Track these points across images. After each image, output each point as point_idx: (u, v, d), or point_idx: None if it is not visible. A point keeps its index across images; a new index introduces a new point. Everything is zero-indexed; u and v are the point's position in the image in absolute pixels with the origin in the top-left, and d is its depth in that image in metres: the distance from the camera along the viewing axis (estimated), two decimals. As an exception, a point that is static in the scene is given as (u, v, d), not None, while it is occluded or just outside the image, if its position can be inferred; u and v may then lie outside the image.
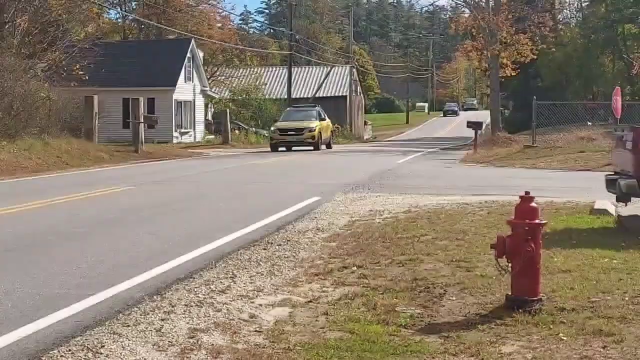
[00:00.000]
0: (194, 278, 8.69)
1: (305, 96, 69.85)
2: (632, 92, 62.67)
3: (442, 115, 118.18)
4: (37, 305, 7.50)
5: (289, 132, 41.08)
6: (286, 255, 10.11)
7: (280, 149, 40.80)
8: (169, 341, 6.45)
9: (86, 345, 6.27)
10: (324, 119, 43.43)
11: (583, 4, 71.44)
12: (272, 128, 42.88)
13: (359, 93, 79.05)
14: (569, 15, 75.77)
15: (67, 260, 9.66)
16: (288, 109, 48.36)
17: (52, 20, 42.46)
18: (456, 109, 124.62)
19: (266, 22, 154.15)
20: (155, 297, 7.81)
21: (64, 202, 16.08)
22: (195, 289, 8.15)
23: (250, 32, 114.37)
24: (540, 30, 49.42)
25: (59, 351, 6.14)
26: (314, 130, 41.12)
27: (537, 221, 7.23)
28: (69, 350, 6.16)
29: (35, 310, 7.30)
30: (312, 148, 40.80)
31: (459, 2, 56.21)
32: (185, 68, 51.42)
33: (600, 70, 67.00)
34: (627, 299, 7.44)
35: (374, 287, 8.23)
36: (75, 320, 7.00)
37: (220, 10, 70.92)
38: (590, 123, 40.05)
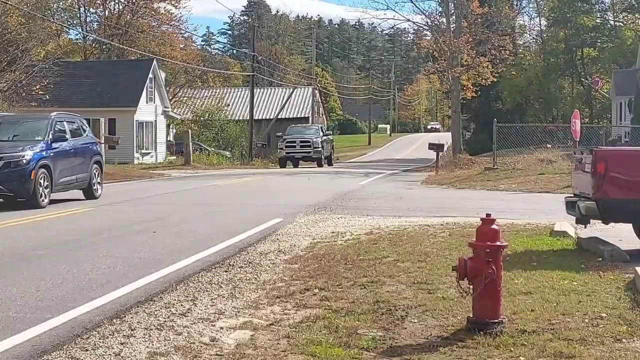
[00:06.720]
0: (154, 301, 8.61)
1: (267, 117, 69.92)
2: (590, 114, 63.57)
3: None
4: (-7, 329, 7.38)
5: None
6: (247, 278, 10.06)
7: None
8: (128, 365, 6.37)
9: (44, 370, 6.18)
10: None
11: (542, 28, 72.43)
12: None
13: (321, 114, 79.35)
14: (529, 39, 76.83)
15: (26, 282, 9.52)
16: None
17: (11, 40, 42.09)
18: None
19: (229, 43, 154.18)
20: (114, 320, 7.72)
21: (22, 224, 15.88)
22: (156, 312, 8.07)
23: (213, 53, 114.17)
24: (500, 53, 50.02)
25: (15, 376, 6.04)
26: None
27: (498, 243, 7.26)
28: (26, 375, 6.06)
29: (-9, 334, 7.17)
30: None
31: (421, 25, 56.73)
32: (146, 89, 51.16)
33: (559, 94, 68.05)
34: (587, 320, 7.49)
35: (335, 309, 8.21)
36: (33, 344, 6.89)
37: (183, 31, 70.88)
38: (549, 145, 40.44)
